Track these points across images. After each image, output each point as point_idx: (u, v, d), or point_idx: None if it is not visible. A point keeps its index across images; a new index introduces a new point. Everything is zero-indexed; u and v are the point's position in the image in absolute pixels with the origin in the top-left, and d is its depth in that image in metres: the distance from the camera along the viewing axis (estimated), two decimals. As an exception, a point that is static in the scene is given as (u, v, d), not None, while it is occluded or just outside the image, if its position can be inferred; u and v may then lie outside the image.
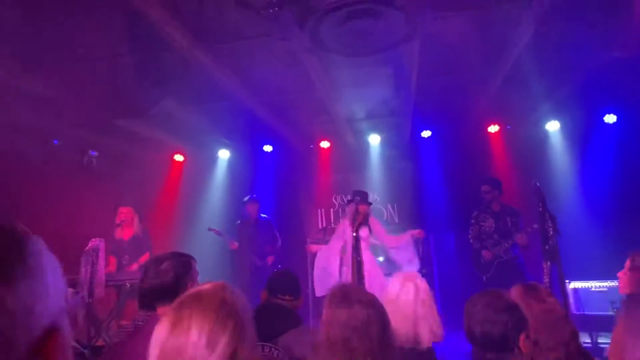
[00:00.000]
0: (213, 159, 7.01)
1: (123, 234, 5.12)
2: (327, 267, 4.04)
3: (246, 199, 5.77)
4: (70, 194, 5.55)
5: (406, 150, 6.53)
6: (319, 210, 6.91)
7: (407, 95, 5.00)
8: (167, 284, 1.70)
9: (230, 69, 4.30)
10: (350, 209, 4.05)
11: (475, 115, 5.46)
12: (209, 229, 5.60)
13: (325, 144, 6.75)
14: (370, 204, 4.17)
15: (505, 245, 4.23)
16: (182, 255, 1.83)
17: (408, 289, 1.82)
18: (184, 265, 1.77)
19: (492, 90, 4.74)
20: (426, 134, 6.45)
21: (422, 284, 1.86)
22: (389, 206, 6.68)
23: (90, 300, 4.13)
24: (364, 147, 6.69)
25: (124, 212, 5.09)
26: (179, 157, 6.91)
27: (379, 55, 3.81)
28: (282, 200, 6.83)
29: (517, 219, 4.31)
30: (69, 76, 4.01)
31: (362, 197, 4.09)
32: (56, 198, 5.39)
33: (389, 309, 1.69)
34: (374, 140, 6.65)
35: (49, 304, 0.65)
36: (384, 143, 6.66)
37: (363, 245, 3.79)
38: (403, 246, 3.82)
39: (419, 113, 5.64)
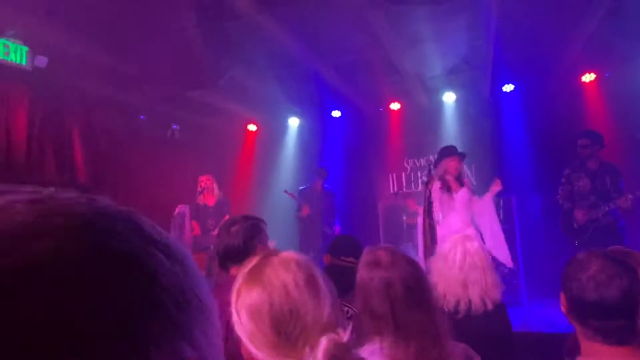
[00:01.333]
0: (284, 128, 7.05)
1: (206, 200, 5.25)
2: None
3: (319, 169, 5.79)
4: (156, 165, 5.91)
5: (485, 108, 6.05)
6: (390, 175, 6.78)
7: (486, 45, 4.54)
8: (237, 246, 1.73)
9: (296, 32, 4.19)
10: (444, 167, 3.77)
11: (567, 63, 4.87)
12: (285, 192, 5.72)
13: (395, 106, 6.51)
14: (461, 156, 3.77)
15: (606, 208, 3.86)
16: (252, 218, 1.85)
17: (456, 252, 1.74)
18: (253, 228, 1.79)
19: (587, 31, 4.14)
20: (508, 88, 5.91)
21: (473, 246, 1.76)
22: (466, 169, 6.29)
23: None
24: (438, 106, 6.34)
25: (204, 179, 5.25)
26: (252, 127, 7.06)
27: (453, 1, 3.44)
28: (351, 166, 6.76)
29: (618, 179, 3.93)
30: (144, 51, 4.17)
31: (449, 152, 3.82)
32: (144, 169, 5.77)
33: (439, 272, 1.60)
34: (449, 98, 6.26)
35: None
36: (460, 101, 6.24)
37: (459, 207, 3.61)
38: (485, 211, 3.65)
39: (500, 65, 5.14)
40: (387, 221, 6.05)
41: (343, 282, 2.06)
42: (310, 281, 0.86)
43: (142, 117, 5.81)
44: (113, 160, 5.25)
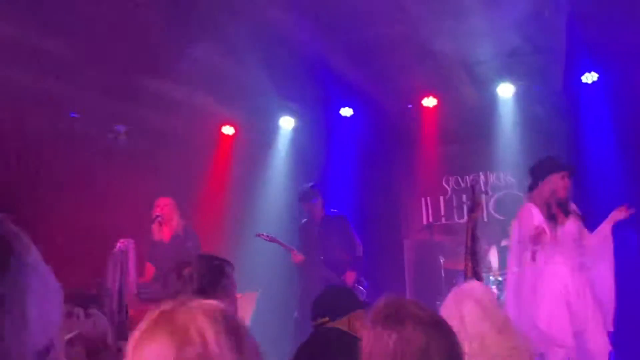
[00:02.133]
0: (273, 131, 7.12)
1: (162, 233, 5.33)
2: None
3: (302, 191, 5.74)
4: (92, 182, 5.89)
5: (557, 104, 6.03)
6: (423, 199, 6.78)
7: (557, 18, 4.51)
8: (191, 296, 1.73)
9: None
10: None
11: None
12: (257, 235, 5.68)
13: (430, 102, 6.52)
14: (570, 171, 3.77)
15: None
16: (212, 258, 1.92)
17: (469, 309, 1.87)
18: (213, 271, 1.85)
19: None
20: (589, 78, 5.87)
21: (486, 296, 1.92)
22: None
23: (121, 317, 4.33)
24: (490, 103, 6.35)
25: (162, 204, 5.29)
26: (228, 130, 7.08)
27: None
28: (368, 185, 6.78)
29: None
30: (75, 25, 4.16)
31: (554, 166, 3.75)
32: (75, 188, 5.73)
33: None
34: (506, 91, 6.25)
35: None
36: (522, 95, 6.25)
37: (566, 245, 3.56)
38: (602, 252, 3.73)
39: (578, 46, 5.13)
40: (417, 265, 6.09)
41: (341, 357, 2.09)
42: (237, 340, 0.91)
43: (73, 114, 5.80)
44: (29, 174, 5.26)
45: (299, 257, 5.57)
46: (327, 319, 2.39)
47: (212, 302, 1.00)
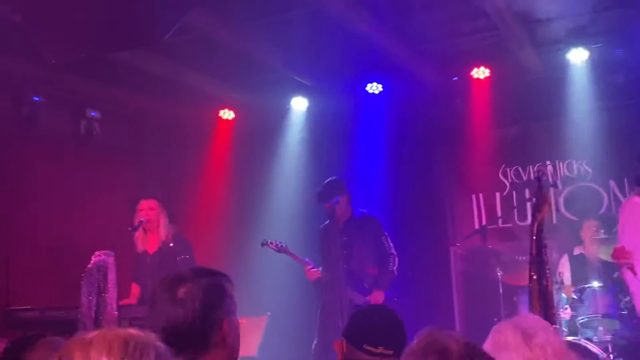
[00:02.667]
0: (282, 113, 7.12)
1: (146, 243, 5.37)
2: None
3: (322, 187, 5.62)
4: (60, 180, 5.93)
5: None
6: (474, 196, 6.74)
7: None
8: (188, 323, 1.80)
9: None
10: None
11: None
12: (264, 244, 5.66)
13: (481, 73, 6.44)
14: None
15: None
16: (209, 273, 1.93)
17: (536, 353, 1.89)
18: (213, 290, 1.87)
19: None
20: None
21: (555, 339, 1.95)
22: (613, 184, 6.21)
23: None
24: (559, 71, 6.25)
25: (146, 207, 5.30)
26: (227, 114, 7.12)
27: None
28: (404, 180, 6.73)
29: None
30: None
31: None
32: (41, 187, 5.76)
33: None
34: (579, 57, 6.14)
35: None
36: (599, 63, 6.14)
37: None
38: None
39: None
40: (468, 280, 6.04)
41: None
42: None
43: (36, 98, 5.84)
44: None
45: (314, 272, 5.49)
46: (391, 352, 2.41)
47: (120, 334, 1.10)
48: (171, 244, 5.30)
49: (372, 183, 6.51)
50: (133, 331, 1.15)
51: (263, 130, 7.08)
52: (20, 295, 5.51)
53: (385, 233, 5.56)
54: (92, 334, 1.13)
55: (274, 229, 6.14)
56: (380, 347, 2.43)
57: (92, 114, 6.28)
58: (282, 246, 5.53)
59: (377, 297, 5.36)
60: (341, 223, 5.54)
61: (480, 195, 6.71)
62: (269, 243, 5.55)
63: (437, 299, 5.88)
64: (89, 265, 4.78)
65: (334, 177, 5.62)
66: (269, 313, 5.47)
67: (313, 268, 5.47)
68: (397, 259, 5.48)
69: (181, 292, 1.82)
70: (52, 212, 5.79)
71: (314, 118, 7.08)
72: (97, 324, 4.45)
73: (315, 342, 5.46)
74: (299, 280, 5.74)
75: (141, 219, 5.25)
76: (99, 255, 4.88)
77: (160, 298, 1.86)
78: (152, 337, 1.17)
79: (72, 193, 5.97)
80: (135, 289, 5.32)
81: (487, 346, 1.90)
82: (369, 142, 6.85)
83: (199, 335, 1.78)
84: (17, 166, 5.63)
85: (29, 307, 4.79)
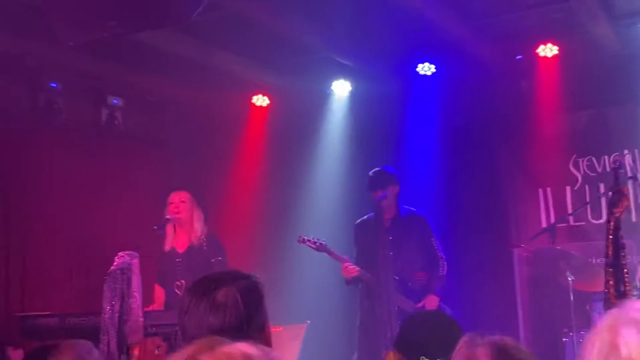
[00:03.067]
0: (322, 98, 7.14)
1: (175, 240, 5.40)
2: None
3: (373, 175, 5.60)
4: (81, 176, 6.00)
5: None
6: (541, 190, 6.70)
7: None
8: (235, 328, 1.85)
9: None
10: None
11: None
12: (300, 241, 5.62)
13: (548, 50, 6.36)
14: None
15: None
16: (243, 275, 2.00)
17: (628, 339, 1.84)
18: (251, 292, 1.94)
19: None
20: None
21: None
22: None
23: (123, 357, 4.41)
24: (637, 48, 6.17)
25: (177, 200, 5.34)
26: (261, 100, 7.18)
27: None
28: (459, 172, 6.73)
29: None
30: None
31: None
32: (58, 184, 5.86)
33: None
34: None
35: None
36: None
37: None
38: None
39: None
40: (534, 285, 6.00)
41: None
42: None
43: (53, 85, 5.93)
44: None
45: (352, 269, 5.43)
46: None
47: (235, 350, 1.07)
48: (204, 244, 5.33)
49: (422, 177, 6.51)
50: (248, 349, 1.12)
51: (301, 118, 7.10)
52: (36, 300, 5.63)
53: (434, 234, 5.55)
54: (228, 348, 1.10)
55: (312, 227, 6.13)
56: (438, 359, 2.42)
57: (114, 101, 6.35)
58: (321, 244, 5.49)
59: (431, 302, 5.34)
60: (386, 219, 5.51)
61: (548, 189, 6.67)
62: (306, 240, 5.52)
63: (499, 308, 5.83)
64: (112, 268, 4.83)
65: (386, 165, 5.60)
66: (308, 321, 5.48)
67: (351, 265, 5.42)
68: (446, 263, 5.47)
69: (220, 295, 1.87)
70: (71, 209, 5.88)
71: (358, 103, 7.08)
72: (121, 332, 4.50)
73: (355, 356, 5.44)
74: (341, 284, 5.71)
75: (169, 216, 5.28)
76: (122, 256, 4.90)
77: (196, 303, 1.89)
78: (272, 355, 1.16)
79: (92, 188, 6.06)
80: (159, 293, 5.36)
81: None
82: (420, 130, 6.83)
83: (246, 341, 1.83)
84: (32, 159, 5.73)
85: (47, 313, 4.87)
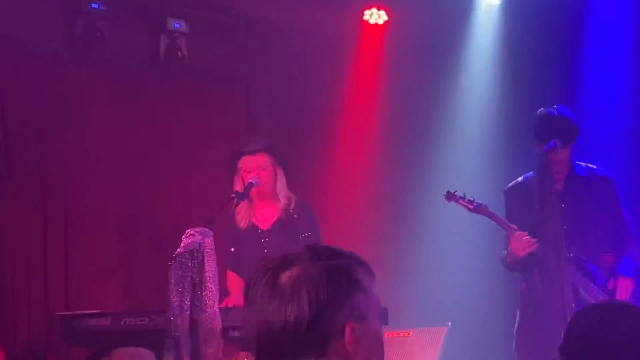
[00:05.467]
0: (461, 11, 7.08)
1: (254, 214, 5.57)
2: None
3: (538, 119, 5.48)
4: (135, 129, 6.15)
5: None
6: None
7: None
8: (291, 328, 1.83)
9: None
10: None
11: None
12: (451, 197, 5.53)
13: None
14: None
15: None
16: (333, 254, 1.94)
17: None
18: (333, 278, 1.88)
19: None
20: None
21: None
22: None
23: None
24: None
25: (253, 165, 5.46)
26: (376, 16, 7.16)
27: None
28: None
29: None
30: None
31: None
32: (103, 141, 6.00)
33: None
34: None
35: None
36: None
37: None
38: None
39: None
40: None
41: None
42: None
43: (95, 5, 5.99)
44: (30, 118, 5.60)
45: (527, 242, 5.32)
46: None
47: None
48: (295, 215, 5.44)
49: (606, 122, 6.43)
50: None
51: (432, 39, 7.04)
52: (82, 296, 5.78)
53: (620, 198, 5.51)
54: None
55: (454, 181, 6.01)
56: None
57: (176, 25, 6.39)
58: (479, 204, 5.42)
59: (624, 286, 5.25)
60: (559, 181, 5.41)
61: None
62: (458, 198, 5.45)
63: None
64: (179, 250, 4.91)
65: (558, 105, 5.45)
66: (449, 323, 5.47)
67: (524, 236, 5.32)
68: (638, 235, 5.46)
69: (284, 279, 1.84)
70: (122, 173, 6.06)
71: (514, 16, 6.96)
72: (194, 335, 4.58)
73: None
74: (500, 269, 5.68)
75: (251, 180, 5.31)
76: (191, 234, 4.99)
77: (257, 289, 1.88)
78: None
79: (148, 145, 6.19)
80: (234, 282, 5.48)
81: None
82: (607, 54, 6.69)
83: (305, 348, 1.79)
84: (69, 106, 5.89)
85: (96, 311, 4.97)
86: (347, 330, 1.80)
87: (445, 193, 5.46)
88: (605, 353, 2.49)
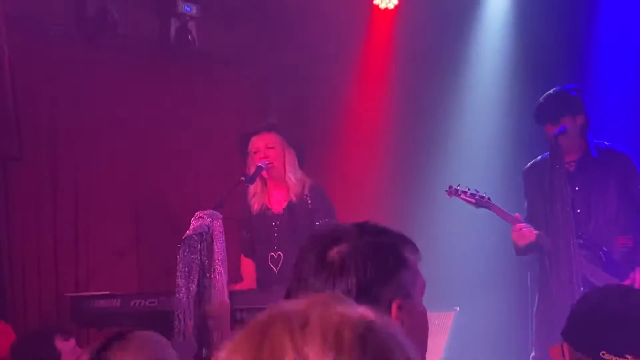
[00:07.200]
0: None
1: (266, 198, 5.58)
2: None
3: (544, 100, 5.44)
4: (145, 111, 6.13)
5: None
6: None
7: None
8: None
9: None
10: None
11: None
12: (452, 192, 5.50)
13: None
14: None
15: None
16: (380, 231, 1.97)
17: None
18: (381, 255, 1.91)
19: None
20: None
21: None
22: None
23: (205, 352, 4.49)
24: None
25: (262, 146, 5.44)
26: (385, 1, 7.10)
27: None
28: None
29: None
30: None
31: None
32: (113, 122, 6.01)
33: None
34: None
35: None
36: None
37: None
38: None
39: None
40: None
41: None
42: None
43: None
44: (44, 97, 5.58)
45: (528, 233, 5.34)
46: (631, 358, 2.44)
47: (371, 314, 1.11)
48: (309, 200, 5.42)
49: (624, 98, 6.42)
50: (369, 314, 1.13)
51: (443, 23, 7.00)
52: (92, 278, 5.80)
53: (638, 179, 5.44)
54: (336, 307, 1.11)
55: (461, 176, 5.99)
56: (629, 356, 2.43)
57: (187, 9, 6.40)
58: (481, 197, 5.41)
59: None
60: (570, 163, 5.38)
61: None
62: (460, 192, 5.44)
63: None
64: (188, 232, 4.92)
65: (568, 84, 5.44)
66: (456, 308, 5.47)
67: (526, 226, 5.32)
68: None
69: (332, 254, 1.86)
70: (132, 155, 6.06)
71: (527, 2, 6.93)
72: (201, 316, 4.58)
73: (532, 354, 5.37)
74: (510, 254, 5.67)
75: (260, 164, 5.31)
76: (200, 216, 5.00)
77: (305, 264, 1.90)
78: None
79: (159, 126, 6.19)
80: (248, 267, 5.48)
81: None
82: (620, 35, 6.65)
83: None
84: (79, 88, 5.90)
85: (105, 293, 4.99)
86: (394, 306, 1.83)
87: (447, 188, 5.44)
88: (606, 335, 2.51)
